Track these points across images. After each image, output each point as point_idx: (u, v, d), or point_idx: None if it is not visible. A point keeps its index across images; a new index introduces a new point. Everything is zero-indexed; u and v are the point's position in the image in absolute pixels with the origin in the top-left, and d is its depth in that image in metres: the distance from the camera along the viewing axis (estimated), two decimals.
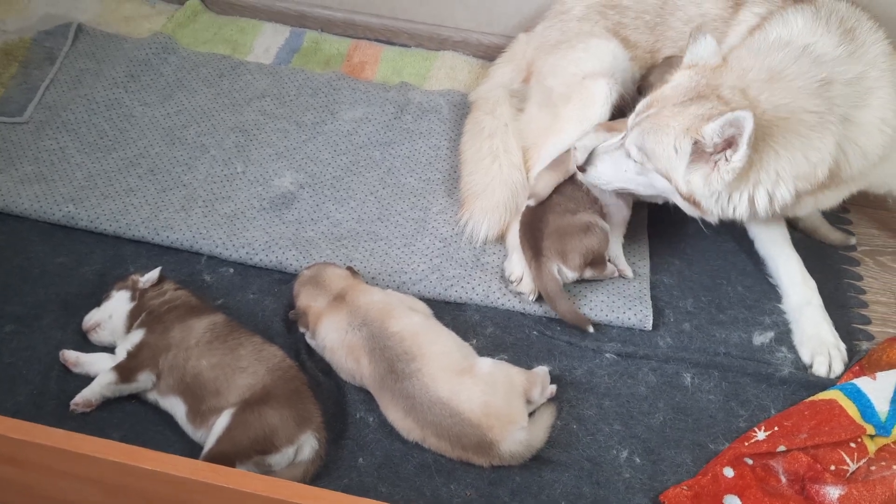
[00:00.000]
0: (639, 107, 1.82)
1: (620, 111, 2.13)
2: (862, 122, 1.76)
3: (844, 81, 1.74)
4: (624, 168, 1.85)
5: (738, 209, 1.74)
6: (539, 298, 1.98)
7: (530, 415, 1.72)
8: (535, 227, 1.97)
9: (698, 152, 1.68)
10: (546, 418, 1.73)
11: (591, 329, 1.93)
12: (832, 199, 1.93)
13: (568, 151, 2.04)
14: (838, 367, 1.88)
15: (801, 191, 1.74)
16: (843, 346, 1.91)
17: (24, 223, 2.08)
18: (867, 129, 1.77)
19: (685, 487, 1.67)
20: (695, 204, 1.76)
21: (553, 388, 1.80)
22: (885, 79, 1.79)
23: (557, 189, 2.00)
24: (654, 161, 1.76)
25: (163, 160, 2.26)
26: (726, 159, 1.65)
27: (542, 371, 1.81)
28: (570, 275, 1.94)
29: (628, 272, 2.03)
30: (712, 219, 1.79)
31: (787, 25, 1.84)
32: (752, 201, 1.73)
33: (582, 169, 1.92)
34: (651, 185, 1.84)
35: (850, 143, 1.76)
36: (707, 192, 1.71)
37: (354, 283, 1.86)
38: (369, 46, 2.72)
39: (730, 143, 1.64)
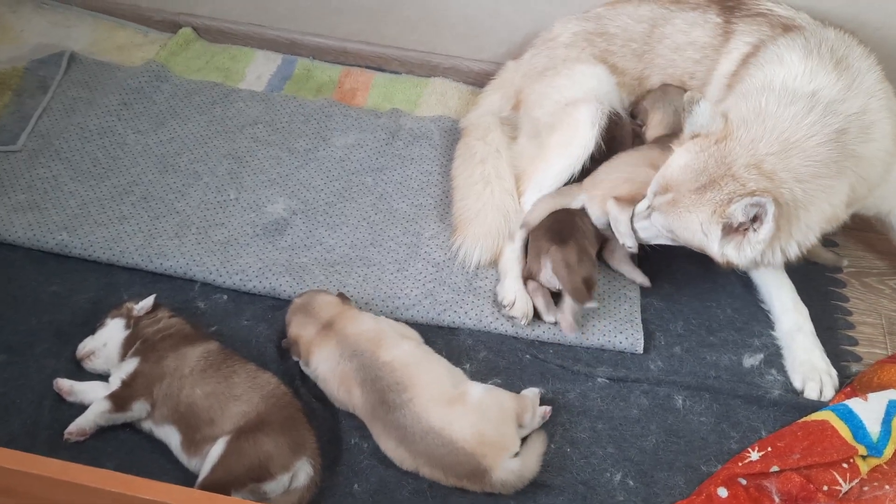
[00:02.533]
0: (653, 187, 1.85)
1: (612, 130, 2.16)
2: (868, 155, 1.80)
3: (853, 121, 1.77)
4: (656, 234, 1.91)
5: (771, 261, 1.78)
6: (532, 320, 2.00)
7: (523, 441, 1.73)
8: (563, 231, 2.00)
9: (726, 229, 1.73)
10: (538, 446, 1.73)
11: (589, 304, 1.94)
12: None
13: (569, 186, 2.09)
14: (829, 393, 1.90)
15: (825, 230, 1.79)
16: (834, 373, 1.93)
17: (17, 251, 2.09)
18: (873, 161, 1.82)
19: None
20: (730, 266, 1.80)
21: (547, 409, 1.81)
22: (886, 109, 1.83)
23: (581, 217, 2.05)
24: (683, 240, 1.83)
25: (156, 187, 2.27)
26: (754, 230, 1.70)
27: (531, 394, 1.82)
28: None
29: (644, 280, 2.07)
30: (749, 269, 1.86)
31: (785, 65, 1.86)
32: (784, 253, 1.77)
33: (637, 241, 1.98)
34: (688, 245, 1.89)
35: (859, 177, 1.80)
36: (742, 259, 1.76)
37: (344, 311, 1.86)
38: (360, 73, 2.75)
39: (756, 218, 1.68)
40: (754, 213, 1.67)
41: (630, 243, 1.98)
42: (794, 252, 1.77)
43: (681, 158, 1.81)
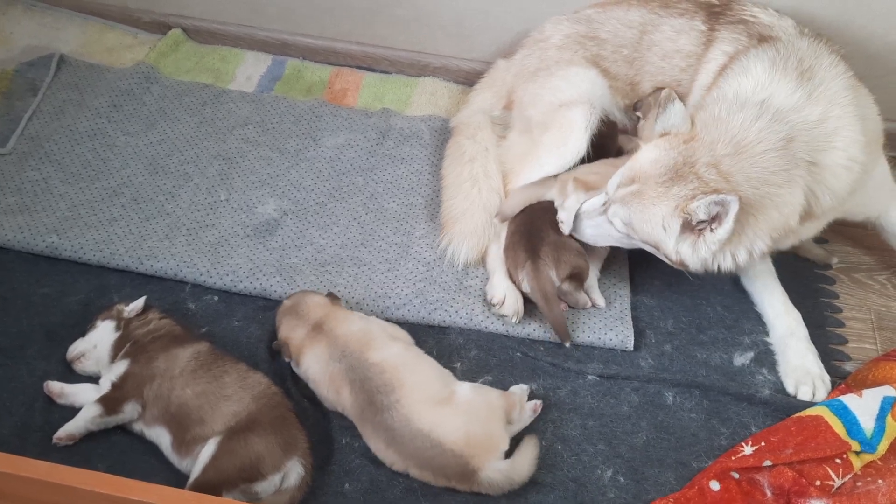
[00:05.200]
0: (617, 178, 1.86)
1: (603, 137, 2.17)
2: (829, 164, 1.80)
3: (806, 129, 1.78)
4: (607, 232, 1.91)
5: (722, 266, 1.79)
6: (523, 318, 2.00)
7: (515, 443, 1.72)
8: (535, 234, 2.01)
9: (685, 225, 1.74)
10: (529, 450, 1.71)
11: (567, 344, 1.96)
12: (811, 230, 1.98)
13: (547, 177, 2.09)
14: (821, 398, 1.89)
15: (776, 239, 1.79)
16: (827, 378, 1.92)
17: (7, 254, 2.08)
18: (834, 170, 1.81)
19: (671, 500, 1.70)
20: (682, 265, 1.81)
21: (538, 403, 1.82)
22: (849, 116, 1.82)
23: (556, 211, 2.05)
24: (640, 235, 1.82)
25: (146, 189, 2.27)
26: (711, 230, 1.71)
27: (519, 390, 1.83)
28: (555, 282, 1.97)
29: (600, 302, 2.05)
30: (697, 272, 1.84)
31: (746, 75, 1.88)
32: (734, 258, 1.78)
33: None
34: (635, 245, 1.90)
35: (819, 184, 1.80)
36: (695, 259, 1.77)
37: (332, 311, 1.85)
38: (350, 73, 2.75)
39: (714, 218, 1.70)
40: (716, 211, 1.68)
41: (564, 218, 1.98)
42: (743, 258, 1.78)
43: (650, 153, 1.82)
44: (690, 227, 1.74)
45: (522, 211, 2.09)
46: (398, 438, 1.66)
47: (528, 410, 1.80)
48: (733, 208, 1.65)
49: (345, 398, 1.74)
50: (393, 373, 1.72)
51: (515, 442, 1.73)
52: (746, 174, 1.73)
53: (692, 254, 1.77)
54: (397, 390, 1.69)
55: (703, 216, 1.70)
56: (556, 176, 2.11)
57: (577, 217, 1.96)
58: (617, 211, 1.84)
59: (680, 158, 1.76)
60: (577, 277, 1.99)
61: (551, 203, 2.06)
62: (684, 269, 1.82)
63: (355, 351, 1.76)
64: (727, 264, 1.79)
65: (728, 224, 1.68)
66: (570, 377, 1.93)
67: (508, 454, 1.70)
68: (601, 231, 1.92)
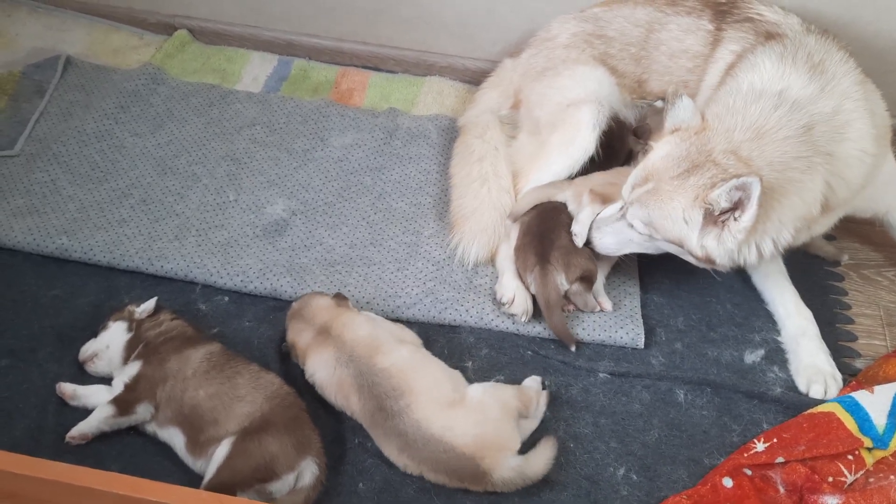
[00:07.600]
0: (632, 179, 1.85)
1: (611, 137, 2.17)
2: (843, 155, 1.81)
3: (823, 120, 1.79)
4: (629, 237, 1.90)
5: (747, 259, 1.78)
6: (533, 316, 2.00)
7: (532, 444, 1.72)
8: (546, 237, 2.01)
9: (707, 217, 1.73)
10: (546, 451, 1.70)
11: (573, 348, 1.96)
12: (823, 225, 1.98)
13: (560, 180, 2.10)
14: (833, 396, 1.88)
15: (799, 229, 1.79)
16: (839, 376, 1.92)
17: (16, 256, 2.08)
18: (849, 161, 1.82)
19: (685, 497, 1.70)
20: (708, 261, 1.80)
21: (545, 393, 1.83)
22: (860, 109, 1.84)
23: (566, 212, 2.06)
24: (663, 233, 1.81)
25: (155, 190, 2.27)
26: (735, 219, 1.70)
27: (533, 383, 1.84)
28: (564, 285, 1.98)
29: (608, 305, 2.04)
30: (724, 269, 1.83)
31: (757, 70, 1.88)
32: (759, 249, 1.77)
33: (588, 243, 1.98)
34: (659, 249, 1.89)
35: (834, 176, 1.80)
36: (721, 252, 1.75)
37: (338, 314, 1.84)
38: (357, 73, 2.75)
39: (736, 206, 1.68)
40: (738, 196, 1.66)
41: (578, 231, 1.98)
42: (768, 249, 1.77)
43: (662, 150, 1.82)
44: (713, 218, 1.72)
45: (535, 210, 2.09)
46: (410, 443, 1.65)
47: (543, 403, 1.80)
48: (755, 190, 1.62)
49: (353, 404, 1.74)
50: (401, 377, 1.71)
51: (531, 443, 1.73)
52: (768, 159, 1.72)
53: (718, 247, 1.74)
54: (406, 395, 1.68)
55: (725, 204, 1.68)
56: (567, 177, 2.12)
57: (593, 228, 1.96)
58: (636, 213, 1.83)
59: (693, 149, 1.75)
60: (587, 280, 1.99)
61: (563, 204, 2.07)
62: (711, 266, 1.81)
63: (363, 356, 1.75)
64: (752, 257, 1.77)
65: (752, 209, 1.65)
66: (581, 375, 1.93)
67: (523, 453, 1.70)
68: (622, 237, 1.92)
